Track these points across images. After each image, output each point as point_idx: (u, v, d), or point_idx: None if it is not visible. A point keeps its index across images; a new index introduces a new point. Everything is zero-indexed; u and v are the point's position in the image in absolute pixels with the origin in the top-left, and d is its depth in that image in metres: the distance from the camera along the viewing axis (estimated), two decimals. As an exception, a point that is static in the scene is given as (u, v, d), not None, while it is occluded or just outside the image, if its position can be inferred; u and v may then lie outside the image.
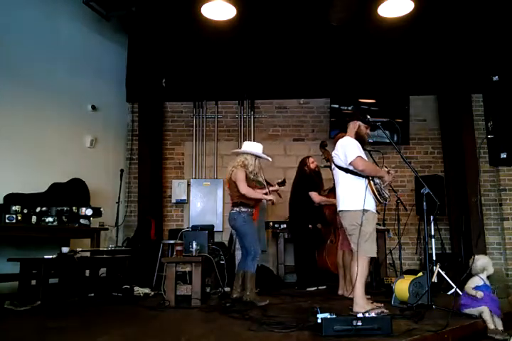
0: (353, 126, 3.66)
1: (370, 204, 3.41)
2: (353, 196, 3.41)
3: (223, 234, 6.57)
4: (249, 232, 4.17)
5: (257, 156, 4.30)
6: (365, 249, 3.35)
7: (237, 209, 4.20)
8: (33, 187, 4.99)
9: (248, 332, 2.81)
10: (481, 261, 3.29)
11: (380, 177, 3.53)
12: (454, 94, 6.61)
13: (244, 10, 5.30)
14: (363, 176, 3.43)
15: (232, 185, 4.25)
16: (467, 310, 3.18)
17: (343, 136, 3.66)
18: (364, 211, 3.34)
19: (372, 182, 3.43)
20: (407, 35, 5.93)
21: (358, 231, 3.32)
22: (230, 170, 4.32)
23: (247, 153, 4.29)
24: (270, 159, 4.51)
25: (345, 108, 6.65)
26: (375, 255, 3.51)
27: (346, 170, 3.49)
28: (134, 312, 3.76)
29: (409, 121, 6.73)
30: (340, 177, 3.54)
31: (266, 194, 4.34)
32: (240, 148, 4.48)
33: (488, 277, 3.29)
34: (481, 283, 3.22)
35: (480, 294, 3.12)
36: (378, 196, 3.43)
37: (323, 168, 5.24)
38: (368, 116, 3.68)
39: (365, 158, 3.46)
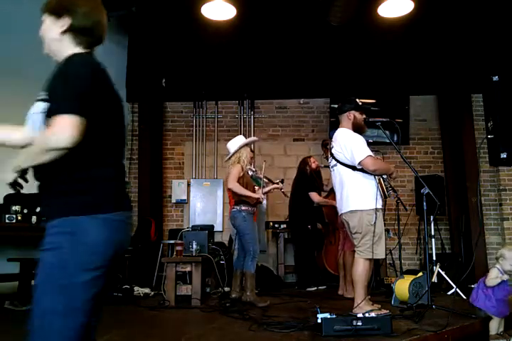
0: (348, 117, 3.52)
1: (380, 203, 3.33)
2: (365, 195, 3.30)
3: (223, 234, 6.56)
4: (248, 231, 4.13)
5: (246, 145, 4.37)
6: (376, 252, 3.24)
7: (238, 208, 4.18)
8: (33, 187, 4.97)
9: (248, 332, 2.81)
10: (503, 250, 3.01)
11: (389, 174, 3.45)
12: (454, 94, 6.61)
13: (244, 10, 5.30)
14: (372, 174, 3.34)
15: None
16: (478, 305, 2.99)
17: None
18: (376, 210, 3.27)
19: (381, 180, 3.35)
20: (407, 35, 5.93)
21: (371, 231, 3.22)
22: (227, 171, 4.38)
23: (238, 150, 4.33)
24: (256, 138, 5.04)
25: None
26: (384, 256, 3.48)
27: (354, 168, 3.35)
28: (134, 312, 3.76)
29: (409, 121, 6.72)
30: (346, 175, 3.39)
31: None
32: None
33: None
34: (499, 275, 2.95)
35: (505, 277, 2.91)
36: (386, 192, 3.37)
37: (324, 168, 5.24)
38: (357, 100, 3.58)
39: (373, 155, 3.32)
